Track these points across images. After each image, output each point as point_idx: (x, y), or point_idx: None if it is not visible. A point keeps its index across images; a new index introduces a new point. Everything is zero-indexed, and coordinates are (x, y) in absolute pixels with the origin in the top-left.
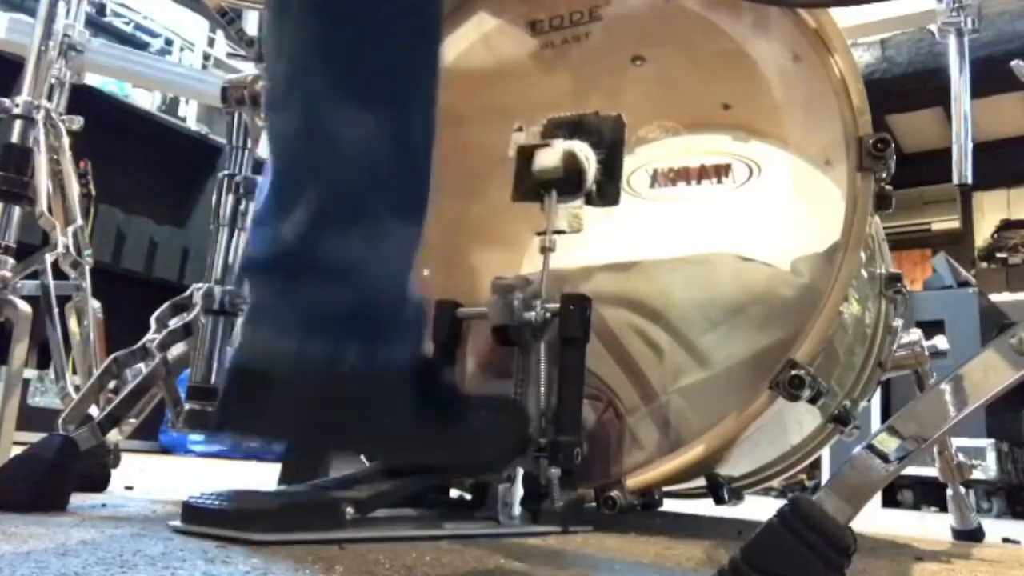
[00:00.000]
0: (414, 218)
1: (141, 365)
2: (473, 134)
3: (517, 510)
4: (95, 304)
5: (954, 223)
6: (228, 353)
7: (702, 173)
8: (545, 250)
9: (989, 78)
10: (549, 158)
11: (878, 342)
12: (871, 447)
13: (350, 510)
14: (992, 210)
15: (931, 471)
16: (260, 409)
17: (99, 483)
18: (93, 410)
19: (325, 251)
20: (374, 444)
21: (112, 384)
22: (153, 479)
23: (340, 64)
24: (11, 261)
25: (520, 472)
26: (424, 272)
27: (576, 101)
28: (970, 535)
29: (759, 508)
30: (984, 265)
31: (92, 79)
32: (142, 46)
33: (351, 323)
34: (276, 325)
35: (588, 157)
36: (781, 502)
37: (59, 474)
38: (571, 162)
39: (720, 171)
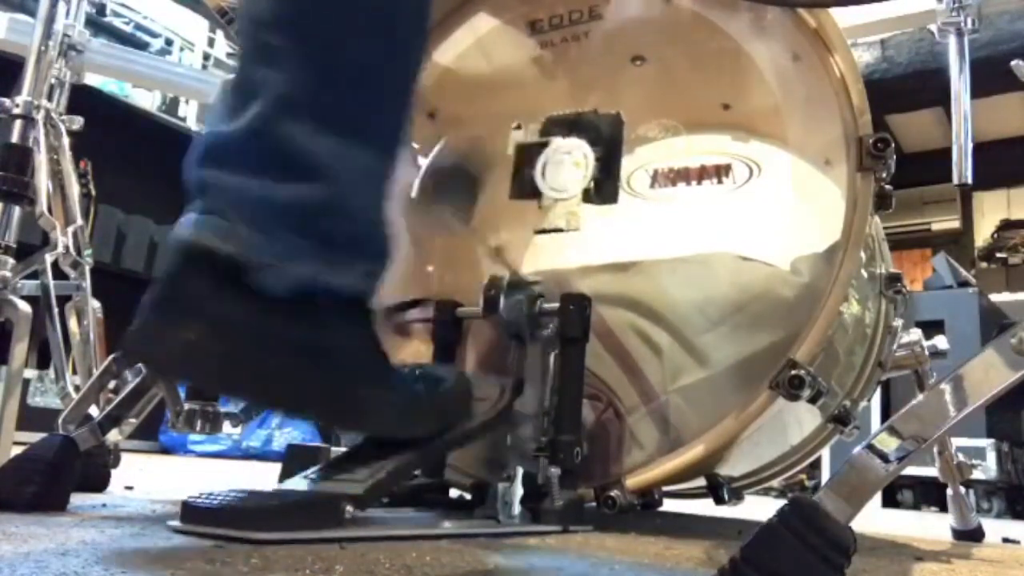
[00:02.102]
0: (389, 140)
1: (141, 365)
2: (473, 133)
3: (517, 509)
4: (95, 304)
5: (954, 223)
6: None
7: (702, 173)
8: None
9: (989, 78)
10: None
11: (878, 342)
12: (871, 447)
13: (350, 508)
14: (992, 210)
15: (931, 471)
16: (190, 313)
17: (99, 483)
18: (93, 410)
19: (291, 140)
20: (288, 393)
21: (112, 384)
22: (153, 479)
23: None
24: (11, 261)
25: (520, 471)
26: (428, 269)
27: (575, 100)
28: (970, 535)
29: (759, 508)
30: (984, 265)
31: (92, 79)
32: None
33: (312, 220)
34: (230, 206)
35: (586, 155)
36: (781, 502)
37: (59, 474)
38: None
39: (720, 171)
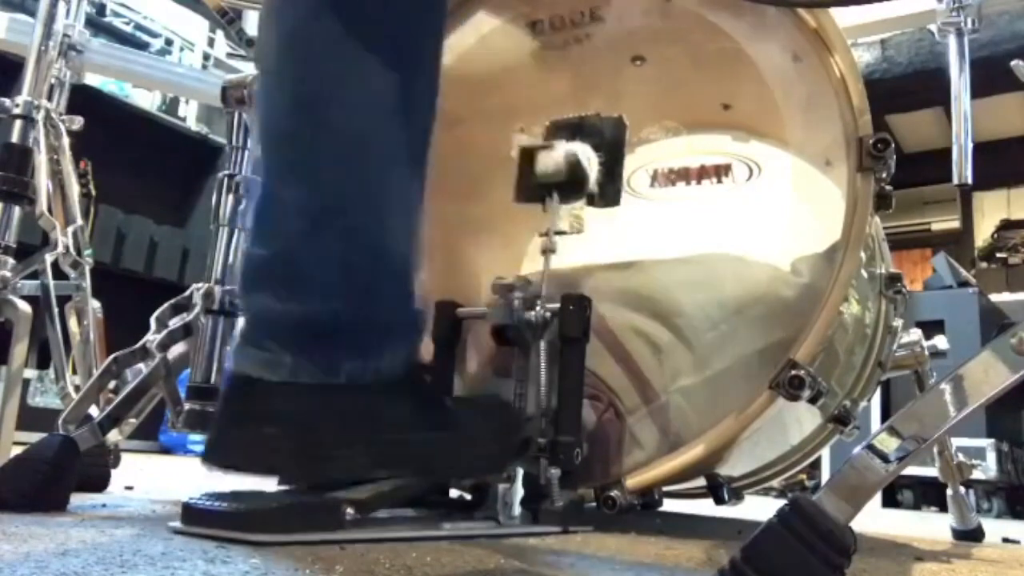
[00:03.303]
0: (414, 217)
1: (141, 365)
2: (474, 135)
3: (517, 510)
4: (95, 304)
5: (954, 223)
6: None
7: (702, 173)
8: (546, 251)
9: (989, 78)
10: (551, 161)
11: (878, 342)
12: (871, 447)
13: (350, 511)
14: (992, 210)
15: (931, 471)
16: (257, 419)
17: (99, 483)
18: (93, 410)
19: (322, 256)
20: (366, 461)
21: (112, 384)
22: (153, 479)
23: (342, 23)
24: (11, 261)
25: (520, 472)
26: (428, 269)
27: (577, 102)
28: (970, 535)
29: (759, 508)
30: (984, 265)
31: (92, 79)
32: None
33: (348, 333)
34: (272, 333)
35: (590, 159)
36: (781, 502)
37: (59, 474)
38: (574, 165)
39: (720, 171)
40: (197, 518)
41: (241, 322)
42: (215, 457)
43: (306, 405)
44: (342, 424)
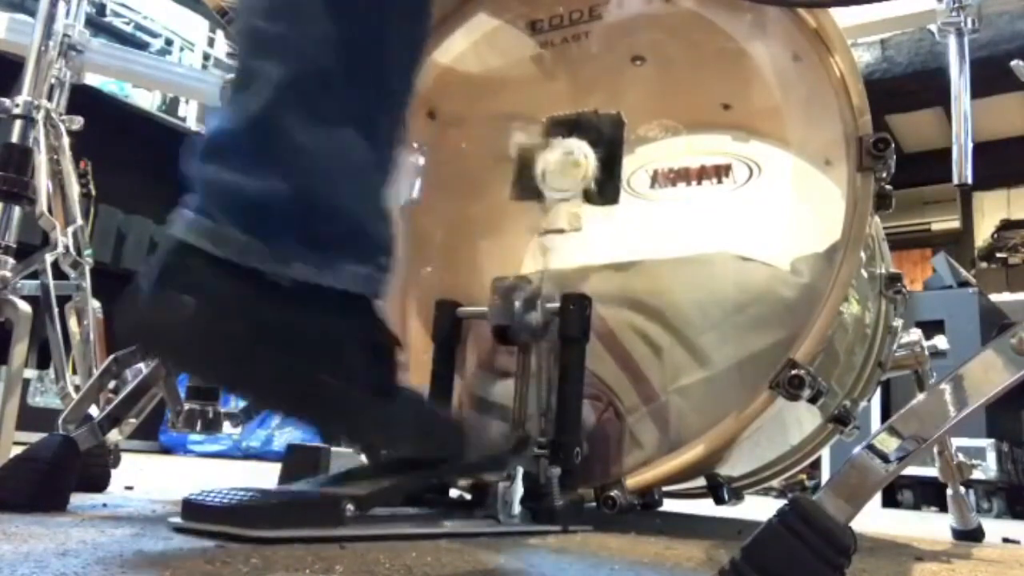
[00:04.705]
0: (388, 135)
1: (141, 365)
2: (474, 135)
3: (517, 509)
4: (95, 304)
5: (954, 223)
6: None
7: (702, 173)
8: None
9: (989, 78)
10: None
11: (878, 342)
12: (871, 447)
13: (350, 508)
14: (992, 210)
15: (931, 471)
16: (180, 289)
17: (99, 483)
18: (93, 410)
19: (286, 134)
20: (278, 383)
21: (112, 384)
22: (153, 479)
23: None
24: (11, 261)
25: (520, 471)
26: (427, 269)
27: (575, 100)
28: (970, 535)
29: (759, 508)
30: (984, 265)
31: (92, 79)
32: (142, 46)
33: (304, 220)
34: (222, 205)
35: (587, 155)
36: (781, 502)
37: (59, 474)
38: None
39: (720, 171)
40: (197, 513)
41: (189, 195)
42: (132, 323)
43: (242, 296)
44: (273, 333)
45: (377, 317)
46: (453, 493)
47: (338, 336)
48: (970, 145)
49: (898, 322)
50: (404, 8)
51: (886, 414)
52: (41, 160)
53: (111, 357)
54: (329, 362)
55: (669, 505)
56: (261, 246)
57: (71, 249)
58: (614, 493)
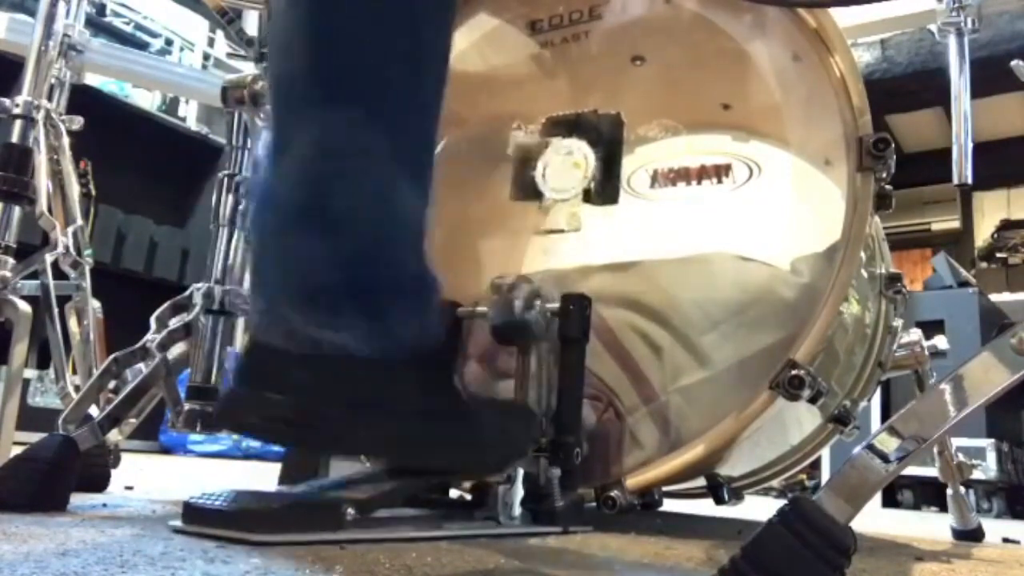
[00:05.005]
0: (423, 178)
1: (141, 365)
2: (474, 135)
3: (517, 510)
4: (95, 304)
5: (954, 223)
6: (228, 353)
7: (702, 173)
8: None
9: (989, 78)
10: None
11: (878, 342)
12: (871, 447)
13: (351, 511)
14: (992, 210)
15: (931, 471)
16: (276, 389)
17: (99, 483)
18: (93, 410)
19: (332, 202)
20: (380, 442)
21: (112, 384)
22: (153, 479)
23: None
24: (11, 261)
25: (520, 472)
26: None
27: (575, 100)
28: (970, 535)
29: (759, 508)
30: (984, 265)
31: (92, 79)
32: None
33: (359, 288)
34: (282, 292)
35: (587, 155)
36: (781, 502)
37: (59, 474)
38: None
39: (720, 171)
40: (197, 517)
41: (254, 296)
42: (229, 417)
43: (317, 373)
44: (350, 397)
45: (439, 355)
46: (453, 494)
47: (415, 386)
48: (970, 145)
49: (898, 322)
50: (434, 49)
51: (886, 414)
52: (41, 160)
53: (111, 357)
54: (401, 410)
55: (669, 505)
56: (329, 333)
57: (71, 249)
58: (614, 493)
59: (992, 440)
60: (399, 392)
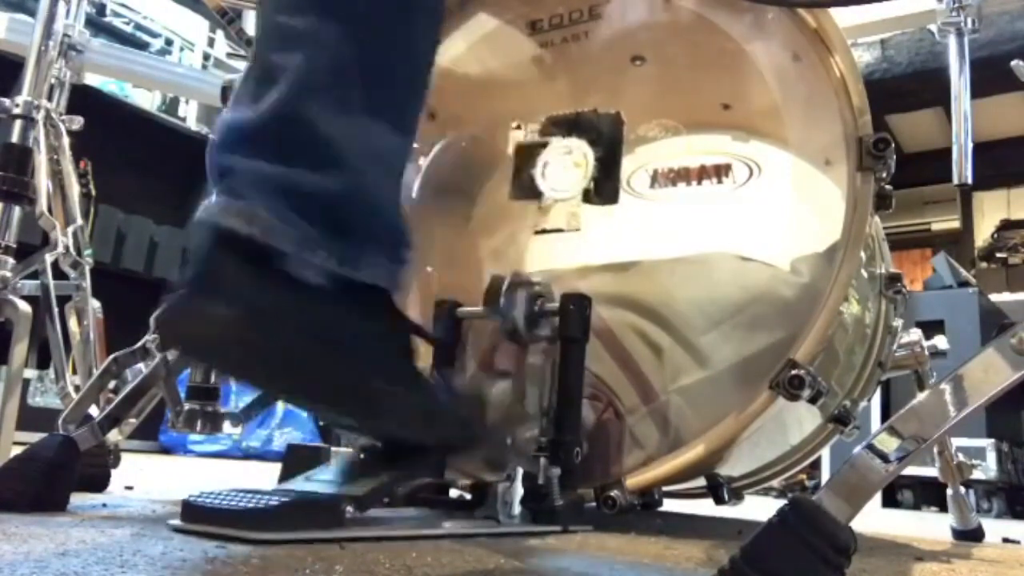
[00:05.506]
0: (408, 126)
1: (141, 365)
2: (472, 133)
3: (517, 510)
4: (95, 304)
5: (954, 223)
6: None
7: (702, 173)
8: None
9: (989, 78)
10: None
11: (878, 342)
12: (871, 447)
13: (350, 509)
14: (992, 210)
15: (931, 471)
16: (219, 296)
17: (99, 483)
18: (93, 410)
19: (312, 126)
20: (326, 387)
21: (112, 384)
22: (153, 479)
23: None
24: (11, 261)
25: (520, 471)
26: (428, 269)
27: (575, 100)
28: (970, 535)
29: (759, 508)
30: (984, 265)
31: (92, 79)
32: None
33: (330, 215)
34: (249, 196)
35: (586, 155)
36: (781, 502)
37: (59, 474)
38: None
39: (720, 171)
40: (197, 515)
41: (215, 182)
42: (169, 325)
43: (274, 298)
44: (300, 333)
45: (397, 308)
46: (453, 493)
47: (365, 330)
48: (970, 145)
49: (898, 322)
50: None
51: (886, 414)
52: (41, 160)
53: (111, 357)
54: (351, 355)
55: (669, 505)
56: (288, 229)
57: (71, 249)
58: (614, 493)
59: (992, 440)
60: (356, 339)
